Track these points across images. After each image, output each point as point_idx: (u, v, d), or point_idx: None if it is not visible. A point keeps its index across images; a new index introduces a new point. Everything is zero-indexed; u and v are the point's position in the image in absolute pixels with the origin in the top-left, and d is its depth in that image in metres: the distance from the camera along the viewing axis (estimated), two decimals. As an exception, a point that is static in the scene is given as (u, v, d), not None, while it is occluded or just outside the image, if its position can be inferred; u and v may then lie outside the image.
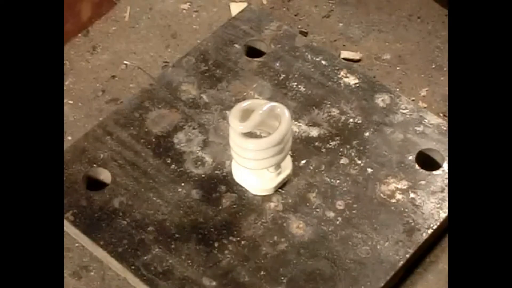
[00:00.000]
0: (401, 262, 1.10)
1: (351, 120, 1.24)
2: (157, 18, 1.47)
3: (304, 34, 1.44)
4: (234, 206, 1.16)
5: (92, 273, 1.16)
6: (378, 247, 1.11)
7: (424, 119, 1.24)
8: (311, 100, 1.26)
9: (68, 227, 1.15)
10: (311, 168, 1.19)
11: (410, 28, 1.46)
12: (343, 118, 1.24)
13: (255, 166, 1.13)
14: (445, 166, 1.19)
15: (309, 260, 1.11)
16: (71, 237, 1.17)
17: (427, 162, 1.20)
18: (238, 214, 1.15)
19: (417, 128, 1.23)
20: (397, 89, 1.33)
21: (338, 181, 1.18)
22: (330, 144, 1.21)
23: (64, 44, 1.41)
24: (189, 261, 1.10)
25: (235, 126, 1.09)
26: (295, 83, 1.28)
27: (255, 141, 1.11)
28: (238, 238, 1.13)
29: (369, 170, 1.19)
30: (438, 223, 1.14)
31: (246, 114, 1.09)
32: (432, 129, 1.23)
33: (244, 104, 1.11)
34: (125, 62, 1.41)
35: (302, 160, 1.20)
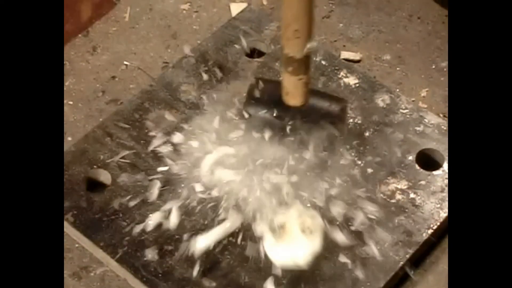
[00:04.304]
0: (401, 262, 1.10)
1: (351, 120, 1.24)
2: (157, 18, 1.47)
3: (304, 34, 1.43)
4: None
5: (92, 274, 1.15)
6: (378, 247, 1.11)
7: (424, 119, 1.24)
8: (311, 100, 1.26)
9: (68, 228, 1.15)
10: (311, 168, 1.19)
11: (410, 28, 1.46)
12: (343, 118, 1.24)
13: None
14: (445, 166, 1.19)
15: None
16: (71, 238, 1.17)
17: (427, 162, 1.20)
18: (238, 214, 1.15)
19: (417, 128, 1.23)
20: (397, 90, 1.33)
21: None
22: (330, 144, 1.21)
23: (64, 44, 1.40)
24: (189, 262, 1.10)
25: None
26: (295, 84, 1.28)
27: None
28: (238, 239, 1.12)
29: (369, 170, 1.19)
30: (438, 223, 1.14)
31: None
32: (432, 129, 1.23)
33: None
34: (125, 62, 1.41)
35: (302, 160, 1.19)
